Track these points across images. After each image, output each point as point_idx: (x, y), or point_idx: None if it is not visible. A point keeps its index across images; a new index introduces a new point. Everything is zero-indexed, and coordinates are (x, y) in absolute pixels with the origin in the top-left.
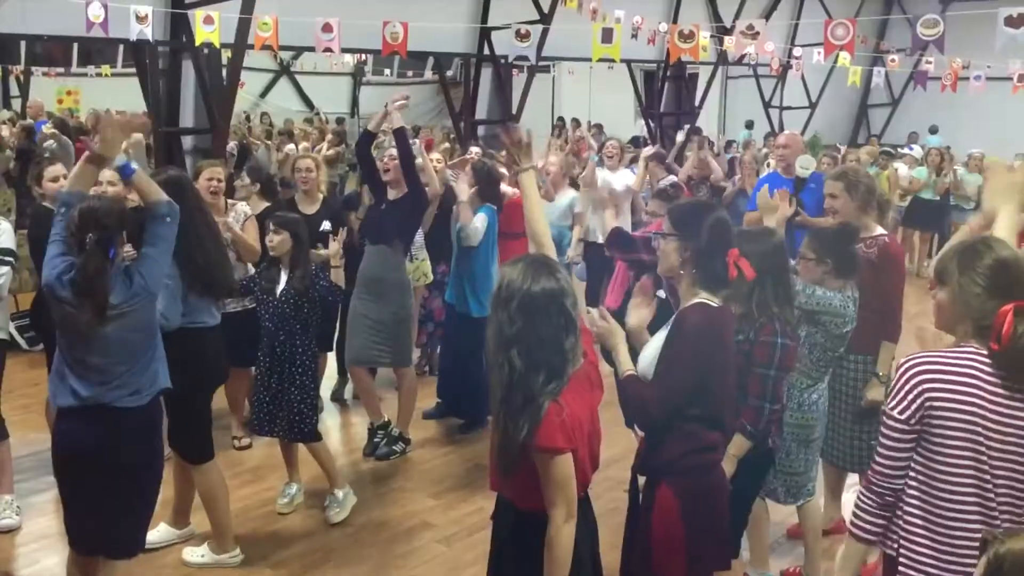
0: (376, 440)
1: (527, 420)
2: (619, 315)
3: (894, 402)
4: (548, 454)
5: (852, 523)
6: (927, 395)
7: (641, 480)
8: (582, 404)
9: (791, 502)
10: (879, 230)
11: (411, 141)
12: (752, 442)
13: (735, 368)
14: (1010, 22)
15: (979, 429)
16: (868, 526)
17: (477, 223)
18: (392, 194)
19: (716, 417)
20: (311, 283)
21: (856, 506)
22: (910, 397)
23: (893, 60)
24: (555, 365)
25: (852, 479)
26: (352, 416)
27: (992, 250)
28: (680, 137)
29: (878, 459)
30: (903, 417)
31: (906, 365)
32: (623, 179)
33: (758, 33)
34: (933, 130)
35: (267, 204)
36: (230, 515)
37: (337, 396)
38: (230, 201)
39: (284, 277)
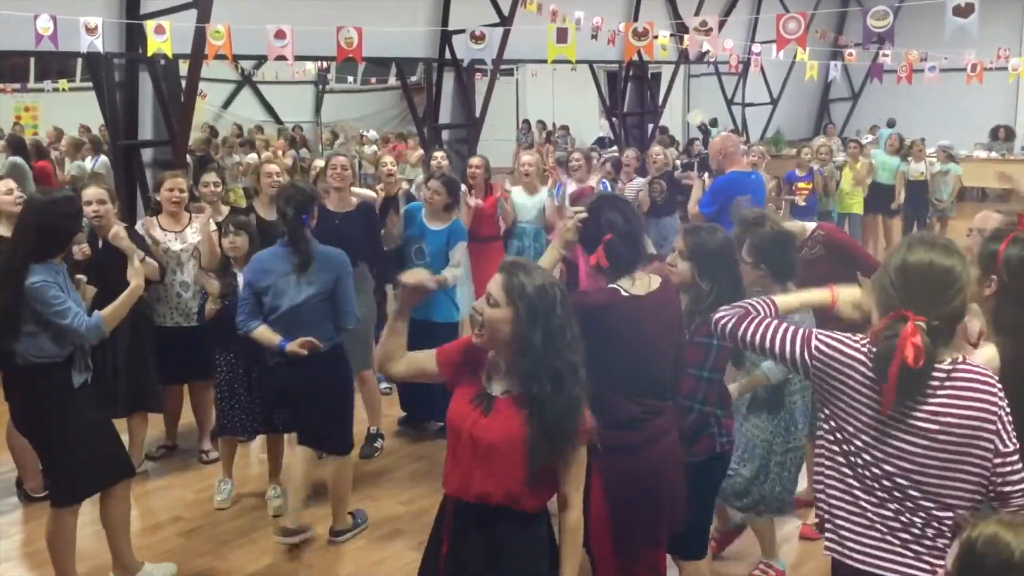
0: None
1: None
2: None
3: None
4: (584, 438)
5: None
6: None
7: None
8: None
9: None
10: (808, 229)
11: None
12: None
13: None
14: (958, 11)
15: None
16: None
17: (456, 260)
18: (338, 205)
19: (640, 388)
20: None
21: None
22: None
23: (851, 54)
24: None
25: None
26: None
27: (908, 251)
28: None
29: None
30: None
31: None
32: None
33: (711, 29)
34: (891, 123)
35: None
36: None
37: None
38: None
39: (242, 278)
